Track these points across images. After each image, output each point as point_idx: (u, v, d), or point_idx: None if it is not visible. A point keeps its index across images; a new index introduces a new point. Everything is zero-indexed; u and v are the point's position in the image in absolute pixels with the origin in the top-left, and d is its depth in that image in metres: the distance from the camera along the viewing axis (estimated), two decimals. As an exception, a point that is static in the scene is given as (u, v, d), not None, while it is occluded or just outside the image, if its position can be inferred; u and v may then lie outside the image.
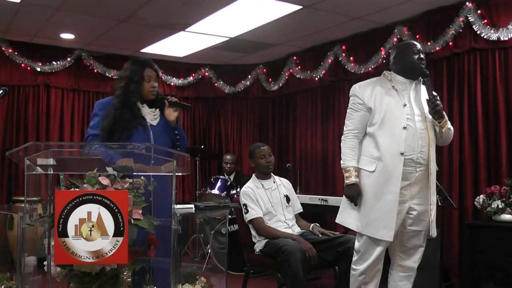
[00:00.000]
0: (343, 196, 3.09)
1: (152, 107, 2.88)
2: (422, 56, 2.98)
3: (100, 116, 2.78)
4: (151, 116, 2.85)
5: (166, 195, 2.63)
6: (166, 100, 2.87)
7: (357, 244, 3.02)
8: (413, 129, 2.89)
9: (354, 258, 3.02)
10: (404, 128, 2.88)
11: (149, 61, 2.95)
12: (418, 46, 3.02)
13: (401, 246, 3.00)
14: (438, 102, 2.89)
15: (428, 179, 2.93)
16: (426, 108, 2.94)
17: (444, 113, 2.95)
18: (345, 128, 3.08)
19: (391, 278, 3.10)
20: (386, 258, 3.05)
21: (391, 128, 2.90)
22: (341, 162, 3.04)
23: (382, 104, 2.94)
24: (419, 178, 2.91)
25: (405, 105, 2.93)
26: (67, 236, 1.91)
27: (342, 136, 3.08)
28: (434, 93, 2.97)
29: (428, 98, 2.91)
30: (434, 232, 2.98)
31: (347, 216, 3.06)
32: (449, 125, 3.00)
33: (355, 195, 2.96)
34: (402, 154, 2.86)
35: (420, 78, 3.00)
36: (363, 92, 3.02)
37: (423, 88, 3.02)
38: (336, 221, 3.15)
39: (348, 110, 3.10)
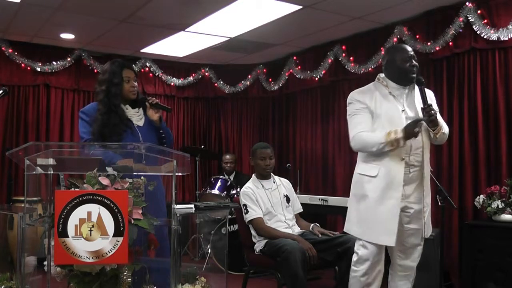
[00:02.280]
0: (350, 201, 3.07)
1: (134, 107, 2.93)
2: (414, 62, 2.96)
3: (87, 121, 2.81)
4: (136, 117, 2.91)
5: (162, 195, 2.64)
6: (148, 101, 2.92)
7: (357, 246, 3.01)
8: None
9: (354, 259, 3.02)
10: None
11: (126, 62, 3.01)
12: (410, 52, 2.98)
13: (399, 245, 3.00)
14: (433, 111, 2.85)
15: (422, 179, 2.94)
16: (420, 112, 2.92)
17: (439, 120, 2.92)
18: (353, 133, 2.96)
19: (391, 278, 3.11)
20: (386, 259, 3.05)
21: None
22: (377, 147, 2.83)
23: (382, 110, 2.94)
24: (413, 179, 2.92)
25: (403, 110, 2.94)
26: (67, 236, 1.91)
27: (353, 139, 2.96)
28: (432, 99, 2.95)
29: (422, 107, 2.88)
30: (428, 233, 3.00)
31: (351, 224, 3.05)
32: (443, 130, 2.97)
33: (412, 130, 2.80)
34: (403, 159, 2.87)
35: (413, 82, 2.98)
36: (363, 97, 3.00)
37: (416, 91, 2.99)
38: (344, 230, 3.14)
39: (350, 118, 3.02)
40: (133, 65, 3.06)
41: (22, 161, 2.13)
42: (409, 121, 2.90)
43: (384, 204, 2.87)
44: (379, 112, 2.94)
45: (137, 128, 2.86)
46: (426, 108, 2.86)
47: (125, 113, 2.85)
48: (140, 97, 2.95)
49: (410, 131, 2.81)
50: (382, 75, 3.09)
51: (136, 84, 2.94)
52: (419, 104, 2.94)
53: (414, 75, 2.95)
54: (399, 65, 2.96)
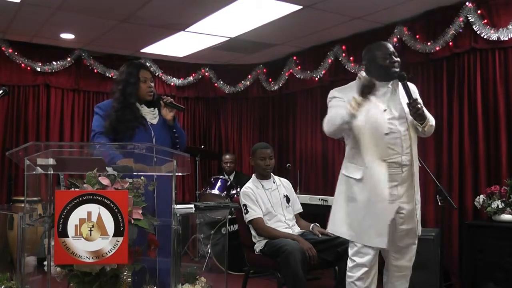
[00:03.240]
0: (336, 200, 3.05)
1: (150, 107, 2.97)
2: (394, 58, 2.93)
3: (101, 116, 2.85)
4: (150, 115, 2.95)
5: (167, 195, 2.64)
6: (162, 100, 2.97)
7: (350, 252, 2.98)
8: (397, 133, 2.87)
9: (350, 265, 2.97)
10: (386, 134, 2.86)
11: (143, 63, 3.07)
12: (390, 49, 2.96)
13: (394, 246, 2.97)
14: (419, 106, 2.83)
15: (413, 177, 2.92)
16: (406, 109, 2.90)
17: (425, 113, 2.88)
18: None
19: (387, 280, 3.08)
20: (381, 260, 3.04)
21: (371, 135, 2.88)
22: (340, 116, 2.83)
23: (363, 111, 2.91)
24: (405, 178, 2.90)
25: (385, 110, 2.91)
26: (67, 236, 1.91)
27: (323, 124, 3.00)
28: (415, 92, 2.93)
29: (408, 102, 2.86)
30: (419, 231, 2.97)
31: (339, 226, 3.02)
32: (430, 122, 2.93)
33: (366, 84, 2.78)
34: (385, 160, 2.85)
35: (396, 79, 2.95)
36: (343, 94, 3.00)
37: (401, 88, 2.96)
38: (328, 230, 3.13)
39: (328, 111, 3.03)
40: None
41: (22, 161, 2.13)
42: (392, 121, 2.88)
43: (373, 206, 2.85)
44: (360, 113, 2.90)
45: (151, 126, 2.90)
46: (412, 102, 2.83)
47: (139, 111, 2.90)
48: (156, 97, 3.00)
49: (362, 87, 2.77)
50: (363, 73, 3.05)
51: (152, 85, 2.98)
52: (405, 100, 2.90)
53: (397, 70, 2.92)
54: (380, 63, 2.94)
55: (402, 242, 2.98)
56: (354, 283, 2.93)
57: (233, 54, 6.53)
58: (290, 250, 3.30)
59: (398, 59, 2.96)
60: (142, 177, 2.12)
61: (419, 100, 2.94)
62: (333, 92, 3.07)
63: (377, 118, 2.89)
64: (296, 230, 3.79)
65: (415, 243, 3.02)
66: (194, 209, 2.45)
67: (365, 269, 2.89)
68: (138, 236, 2.04)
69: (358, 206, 2.91)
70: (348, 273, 2.98)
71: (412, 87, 3.02)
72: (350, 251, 2.98)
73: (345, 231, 2.97)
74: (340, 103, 2.95)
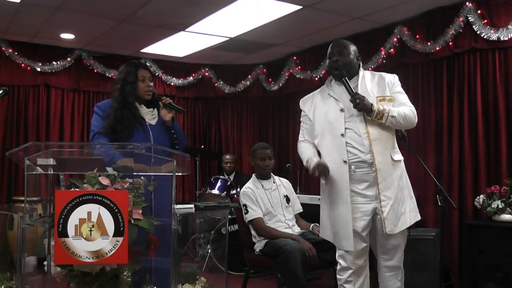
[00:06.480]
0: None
1: (149, 107, 2.96)
2: (334, 58, 2.92)
3: (101, 116, 2.85)
4: (149, 115, 2.94)
5: (166, 195, 2.64)
6: (161, 101, 2.96)
7: (337, 254, 2.97)
8: (358, 132, 2.84)
9: (338, 267, 2.96)
10: (342, 135, 2.85)
11: (142, 63, 3.07)
12: (334, 48, 2.95)
13: (381, 248, 2.95)
14: (358, 101, 2.77)
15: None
16: (374, 99, 2.86)
17: (374, 106, 2.79)
18: (299, 139, 3.16)
19: (380, 279, 3.07)
20: (374, 258, 3.03)
21: (330, 137, 2.90)
22: (304, 163, 3.03)
23: (320, 115, 2.95)
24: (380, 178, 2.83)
25: (342, 110, 2.89)
26: (67, 236, 1.91)
27: (297, 145, 3.15)
28: (392, 82, 2.91)
29: (350, 99, 2.83)
30: (390, 229, 2.81)
31: (323, 229, 3.07)
32: (391, 113, 2.81)
33: (312, 171, 2.92)
34: (345, 162, 2.84)
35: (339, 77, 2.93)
36: (304, 105, 3.08)
37: (366, 84, 2.92)
38: (321, 235, 3.14)
39: (300, 126, 3.16)
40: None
41: (22, 161, 2.14)
42: (351, 120, 2.85)
43: (337, 210, 2.89)
44: (317, 118, 2.97)
45: (149, 126, 2.89)
46: (352, 99, 2.81)
47: (138, 111, 2.88)
48: (155, 97, 2.99)
49: (312, 171, 2.91)
50: (330, 77, 3.06)
51: (151, 84, 2.97)
52: (369, 96, 2.84)
53: (336, 71, 2.91)
54: (327, 62, 3.00)
55: (389, 244, 2.92)
56: (343, 286, 2.91)
57: (233, 54, 6.54)
58: (290, 250, 3.30)
59: (341, 58, 2.90)
60: (142, 177, 2.12)
61: (397, 88, 2.91)
62: (300, 103, 3.14)
63: (333, 120, 2.90)
64: (296, 230, 3.79)
65: (402, 243, 2.95)
66: (194, 209, 2.45)
67: (350, 271, 2.87)
68: (138, 236, 2.04)
69: (325, 210, 2.99)
70: (337, 275, 2.98)
71: (388, 76, 2.96)
72: (337, 254, 2.97)
73: (329, 233, 2.99)
74: (305, 123, 3.09)
